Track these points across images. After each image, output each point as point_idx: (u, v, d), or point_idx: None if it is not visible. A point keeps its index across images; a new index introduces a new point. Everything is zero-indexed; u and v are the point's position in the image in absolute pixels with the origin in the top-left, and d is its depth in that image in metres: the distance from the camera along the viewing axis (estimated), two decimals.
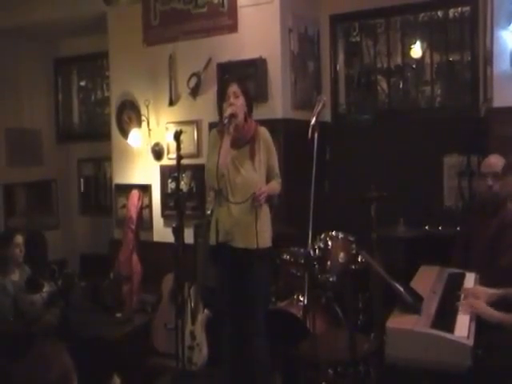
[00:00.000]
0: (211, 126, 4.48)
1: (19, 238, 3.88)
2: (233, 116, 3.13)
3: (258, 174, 3.23)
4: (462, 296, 2.60)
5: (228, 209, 3.20)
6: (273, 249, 3.35)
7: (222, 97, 3.26)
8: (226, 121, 3.12)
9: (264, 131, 3.32)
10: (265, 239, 3.22)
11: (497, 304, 2.49)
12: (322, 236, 3.77)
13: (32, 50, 5.99)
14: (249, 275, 3.20)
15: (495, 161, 3.17)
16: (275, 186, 3.33)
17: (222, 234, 3.21)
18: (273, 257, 3.52)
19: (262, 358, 3.22)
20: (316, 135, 2.65)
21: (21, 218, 5.91)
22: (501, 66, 3.65)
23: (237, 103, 3.17)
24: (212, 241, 3.28)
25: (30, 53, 5.98)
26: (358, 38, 4.94)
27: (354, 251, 3.73)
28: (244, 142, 3.24)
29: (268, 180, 3.30)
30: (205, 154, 4.55)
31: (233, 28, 4.41)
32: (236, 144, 3.22)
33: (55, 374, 1.68)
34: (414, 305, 2.38)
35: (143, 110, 4.86)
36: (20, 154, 5.89)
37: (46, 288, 3.74)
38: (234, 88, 3.20)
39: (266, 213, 3.27)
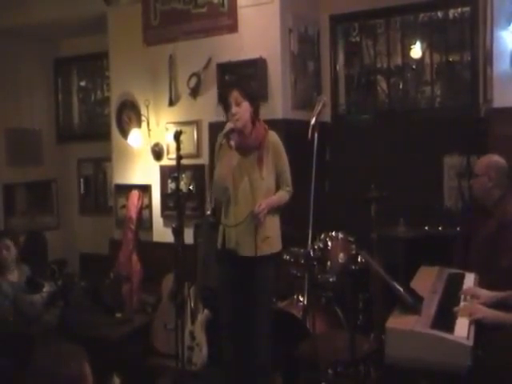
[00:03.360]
0: (211, 126, 4.49)
1: (5, 241, 3.85)
2: (232, 131, 3.08)
3: (266, 182, 3.17)
4: (462, 298, 2.60)
5: (233, 219, 3.18)
6: (280, 252, 3.33)
7: (225, 106, 3.19)
8: (224, 137, 3.09)
9: (273, 136, 3.24)
10: (271, 245, 3.19)
11: (496, 307, 2.48)
12: (322, 236, 3.77)
13: (32, 50, 6.00)
14: (253, 277, 3.18)
15: (479, 160, 3.19)
16: (281, 196, 3.22)
17: (228, 242, 3.21)
18: (279, 260, 3.49)
19: (263, 359, 3.20)
20: (316, 135, 2.66)
21: (21, 217, 5.92)
22: (501, 66, 3.65)
23: (239, 111, 3.09)
24: (219, 244, 3.27)
25: (30, 53, 5.98)
26: (357, 38, 4.94)
27: (353, 251, 3.73)
28: (252, 149, 3.18)
29: (278, 187, 3.24)
30: (205, 154, 4.58)
31: (233, 28, 4.41)
32: (243, 151, 3.18)
33: (68, 372, 1.67)
34: (413, 305, 2.38)
35: (143, 110, 4.86)
36: (20, 153, 5.89)
37: (46, 288, 3.74)
38: (234, 95, 3.10)
39: (272, 220, 3.21)
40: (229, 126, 3.11)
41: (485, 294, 2.57)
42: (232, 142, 3.08)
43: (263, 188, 3.16)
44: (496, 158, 3.14)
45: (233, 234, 3.18)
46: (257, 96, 3.26)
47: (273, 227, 3.21)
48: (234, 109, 3.11)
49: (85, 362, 1.73)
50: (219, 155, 3.17)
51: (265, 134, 3.21)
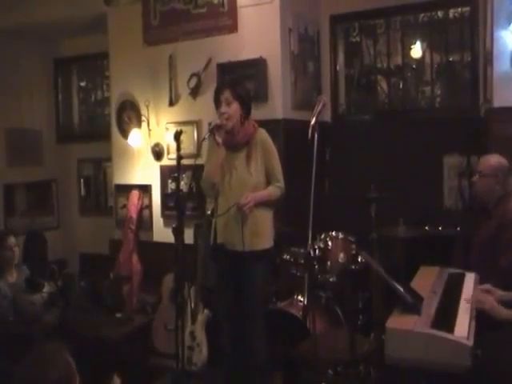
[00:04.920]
0: (210, 125, 4.49)
1: (11, 240, 3.84)
2: (219, 127, 3.11)
3: (255, 177, 3.19)
4: (471, 296, 2.61)
5: (220, 212, 3.21)
6: (272, 249, 3.34)
7: (216, 103, 3.22)
8: (209, 133, 3.11)
9: (262, 133, 3.26)
10: (260, 241, 3.20)
11: (504, 305, 2.49)
12: (322, 236, 3.77)
13: (32, 50, 6.00)
14: (245, 275, 3.20)
15: (487, 159, 3.18)
16: (271, 191, 3.23)
17: (218, 236, 3.24)
18: (272, 257, 3.50)
19: (260, 358, 3.21)
20: (316, 135, 2.66)
21: (21, 218, 5.92)
22: (501, 66, 3.65)
23: (228, 111, 3.13)
24: (211, 240, 3.30)
25: (30, 53, 5.98)
26: (358, 38, 4.94)
27: (353, 251, 3.73)
28: (241, 146, 3.21)
29: (269, 184, 3.25)
30: (204, 154, 4.56)
31: (233, 28, 4.41)
32: (233, 148, 3.21)
33: (56, 373, 1.67)
34: (413, 305, 2.38)
35: (143, 111, 4.86)
36: (20, 154, 5.89)
37: (46, 288, 3.73)
38: (226, 95, 3.15)
39: (263, 215, 3.22)
40: (215, 122, 3.14)
41: (498, 292, 2.58)
42: (218, 139, 3.11)
43: (251, 183, 3.18)
44: (502, 159, 3.13)
45: (221, 227, 3.22)
46: (249, 98, 3.26)
47: (263, 223, 3.21)
48: (223, 108, 3.15)
49: (68, 357, 1.73)
50: (207, 152, 3.25)
51: (253, 131, 3.24)
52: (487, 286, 2.66)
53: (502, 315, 2.38)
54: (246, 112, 3.21)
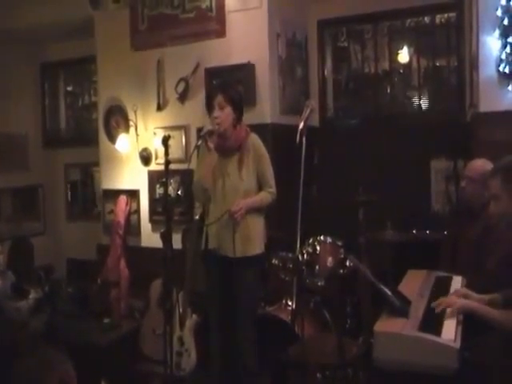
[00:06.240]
0: (199, 131, 4.48)
1: None
2: (211, 133, 3.11)
3: (246, 183, 3.18)
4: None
5: (212, 218, 3.20)
6: (263, 255, 3.33)
7: (208, 108, 3.21)
8: (201, 139, 3.11)
9: (254, 138, 3.26)
10: (251, 247, 3.20)
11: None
12: (311, 240, 3.78)
13: (19, 54, 5.95)
14: (236, 280, 3.19)
15: (475, 165, 3.19)
16: (262, 197, 3.22)
17: (210, 242, 3.23)
18: (262, 263, 3.50)
19: (249, 362, 3.21)
20: (304, 140, 2.67)
21: (7, 223, 5.86)
22: (486, 71, 3.69)
23: (221, 116, 3.12)
24: (202, 245, 3.30)
25: (16, 57, 5.93)
26: (345, 43, 4.98)
27: (342, 255, 3.74)
28: (233, 151, 3.20)
29: (261, 189, 3.25)
30: (194, 159, 4.55)
31: (221, 33, 4.42)
32: (224, 152, 3.20)
33: (57, 376, 1.67)
34: (401, 308, 2.39)
35: (131, 115, 4.84)
36: (6, 159, 5.84)
37: (32, 294, 3.71)
38: (218, 99, 3.13)
39: (254, 221, 3.22)
40: (207, 127, 3.13)
41: (474, 296, 2.59)
42: (210, 144, 3.10)
43: (242, 189, 3.17)
44: (489, 164, 3.15)
45: (213, 233, 3.21)
46: (241, 102, 3.26)
47: (254, 228, 3.21)
48: (216, 112, 3.13)
49: (70, 365, 1.73)
50: (198, 157, 3.23)
51: (245, 136, 3.23)
52: (463, 290, 2.67)
53: (472, 309, 2.37)
54: (239, 115, 3.20)
